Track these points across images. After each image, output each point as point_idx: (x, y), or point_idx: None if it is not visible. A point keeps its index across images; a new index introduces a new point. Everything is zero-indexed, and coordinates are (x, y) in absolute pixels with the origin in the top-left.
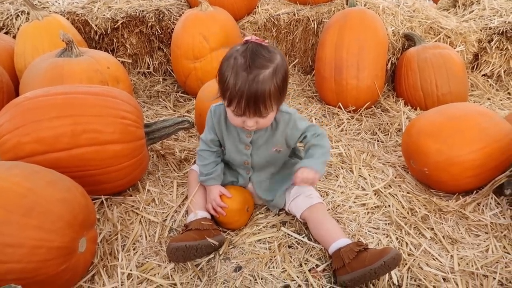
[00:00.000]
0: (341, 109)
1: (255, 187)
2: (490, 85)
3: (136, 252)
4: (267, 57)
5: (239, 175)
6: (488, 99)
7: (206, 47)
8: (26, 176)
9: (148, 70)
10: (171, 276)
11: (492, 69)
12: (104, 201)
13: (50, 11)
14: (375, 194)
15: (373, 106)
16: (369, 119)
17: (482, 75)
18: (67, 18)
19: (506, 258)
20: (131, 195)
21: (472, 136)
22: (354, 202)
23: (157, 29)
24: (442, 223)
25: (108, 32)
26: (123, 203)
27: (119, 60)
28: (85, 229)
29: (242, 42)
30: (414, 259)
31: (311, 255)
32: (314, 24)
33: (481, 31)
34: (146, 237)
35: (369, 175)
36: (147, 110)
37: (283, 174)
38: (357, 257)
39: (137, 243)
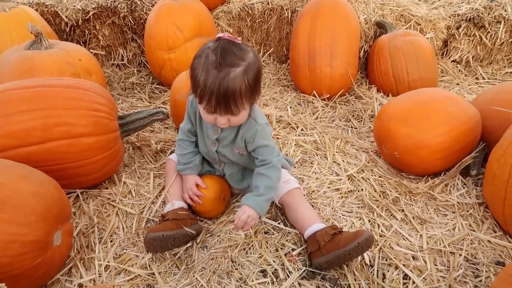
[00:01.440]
0: (315, 97)
1: (228, 178)
2: (459, 70)
3: (114, 244)
4: (238, 55)
5: (212, 166)
6: (457, 84)
7: (180, 37)
8: None
9: (122, 62)
10: (149, 266)
11: (461, 55)
12: (80, 195)
13: (17, 2)
14: (348, 179)
15: (347, 93)
16: (343, 106)
17: (452, 61)
18: (36, 10)
19: (471, 235)
20: (107, 188)
21: (439, 120)
22: (329, 188)
23: (129, 20)
24: (412, 205)
25: (80, 24)
26: (99, 196)
27: (92, 52)
28: (60, 223)
29: (214, 39)
30: (386, 240)
31: (286, 240)
32: (288, 13)
33: (449, 18)
34: (123, 228)
35: (343, 160)
36: (122, 103)
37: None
38: (332, 240)
39: (114, 235)
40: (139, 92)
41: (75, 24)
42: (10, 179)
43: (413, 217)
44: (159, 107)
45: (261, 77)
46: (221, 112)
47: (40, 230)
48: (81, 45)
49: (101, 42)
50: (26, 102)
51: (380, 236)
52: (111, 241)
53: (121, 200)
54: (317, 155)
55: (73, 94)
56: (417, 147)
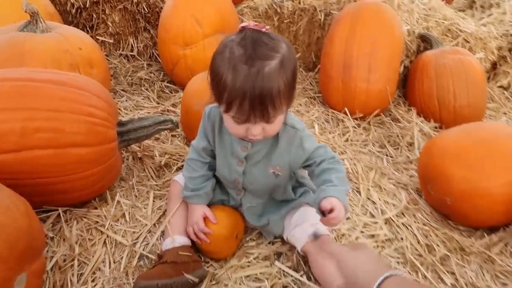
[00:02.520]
0: (347, 114)
1: (245, 212)
2: (506, 98)
3: (95, 285)
4: (270, 45)
5: (230, 195)
6: (504, 113)
7: (199, 32)
8: None
9: (131, 53)
10: None
11: (510, 80)
12: (62, 214)
13: None
14: (386, 223)
15: (382, 114)
16: (377, 128)
17: (498, 87)
18: None
19: None
20: (96, 208)
21: (505, 164)
22: (362, 232)
23: (143, 7)
24: (465, 267)
25: (87, 6)
26: (85, 217)
27: (98, 39)
28: (27, 262)
29: (237, 31)
30: None
31: None
32: (321, 15)
33: (501, 37)
34: (110, 264)
35: (379, 198)
36: (126, 101)
37: (282, 198)
38: None
39: (97, 272)
40: (147, 89)
41: (82, 6)
42: None
43: (465, 283)
44: (167, 111)
45: (297, 73)
46: (256, 119)
47: None
48: (87, 31)
49: (109, 28)
50: (2, 99)
51: None
52: (92, 281)
53: (112, 225)
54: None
55: (63, 93)
56: (476, 195)
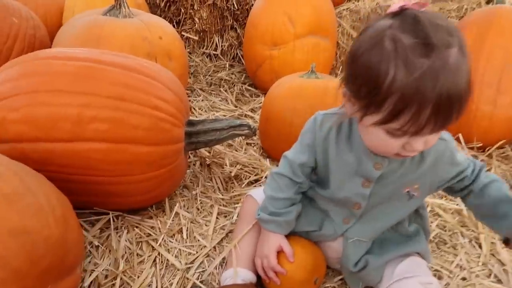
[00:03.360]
0: (460, 142)
1: (347, 248)
2: None
3: None
4: (444, 26)
5: (327, 222)
6: None
7: (290, 32)
8: None
9: (214, 52)
10: None
11: None
12: (112, 220)
13: None
14: None
15: (508, 145)
16: (501, 164)
17: None
18: None
19: None
20: (151, 217)
21: None
22: None
23: (233, 4)
24: None
25: (177, 0)
26: (137, 226)
27: (183, 36)
28: (52, 281)
29: (389, 12)
30: None
31: None
32: None
33: None
34: None
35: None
36: (202, 100)
37: (390, 236)
38: None
39: None
40: (225, 91)
41: (172, 0)
42: None
43: None
44: (244, 116)
45: None
46: (434, 129)
47: None
48: (174, 26)
49: (196, 25)
50: (62, 79)
51: None
52: None
53: (166, 241)
54: (463, 236)
55: (128, 79)
56: None
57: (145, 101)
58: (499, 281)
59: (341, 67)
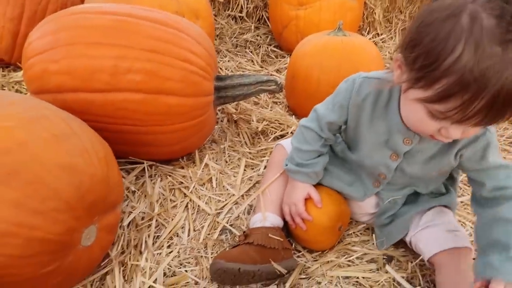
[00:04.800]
0: None
1: (384, 207)
2: None
3: (171, 252)
4: None
5: (358, 183)
6: None
7: None
8: (25, 121)
9: (240, 14)
10: None
11: None
12: (147, 169)
13: None
14: None
15: None
16: None
17: None
18: None
19: None
20: (182, 167)
21: None
22: None
23: None
24: None
25: None
26: (170, 175)
27: None
28: (98, 213)
29: None
30: None
31: None
32: None
33: None
34: (189, 231)
35: None
36: (228, 61)
37: (423, 192)
38: None
39: (175, 237)
40: (251, 52)
41: None
42: (38, 136)
43: None
44: (271, 75)
45: None
46: (481, 122)
47: (59, 225)
48: None
49: None
50: (98, 32)
51: None
52: (168, 246)
53: (196, 189)
54: None
55: (160, 33)
56: None
57: (176, 54)
58: None
59: (368, 28)
